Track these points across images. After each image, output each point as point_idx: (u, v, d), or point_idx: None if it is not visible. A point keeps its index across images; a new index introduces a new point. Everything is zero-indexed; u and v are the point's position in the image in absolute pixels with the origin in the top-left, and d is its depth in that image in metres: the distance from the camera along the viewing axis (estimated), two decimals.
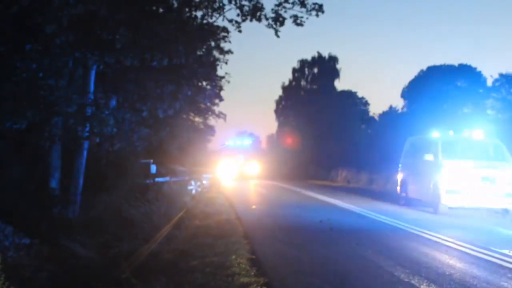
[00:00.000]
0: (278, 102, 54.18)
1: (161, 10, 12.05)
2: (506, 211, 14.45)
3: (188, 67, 14.46)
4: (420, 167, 16.19)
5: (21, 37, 10.00)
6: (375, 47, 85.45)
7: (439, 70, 40.99)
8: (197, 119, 26.43)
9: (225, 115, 26.17)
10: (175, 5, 12.30)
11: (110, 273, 6.79)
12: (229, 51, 17.77)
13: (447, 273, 7.04)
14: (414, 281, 6.50)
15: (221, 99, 22.93)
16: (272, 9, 12.36)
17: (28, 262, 7.91)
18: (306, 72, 52.28)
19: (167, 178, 16.86)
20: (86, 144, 11.86)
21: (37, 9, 9.34)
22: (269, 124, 69.03)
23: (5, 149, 11.17)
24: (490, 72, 55.03)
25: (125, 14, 10.48)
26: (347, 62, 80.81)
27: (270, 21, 12.38)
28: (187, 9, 12.75)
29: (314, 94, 50.42)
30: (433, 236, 10.31)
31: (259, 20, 12.41)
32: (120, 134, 13.16)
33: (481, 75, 40.56)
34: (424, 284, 6.40)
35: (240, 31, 12.96)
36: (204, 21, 13.22)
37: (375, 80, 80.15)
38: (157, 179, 15.72)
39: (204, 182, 21.63)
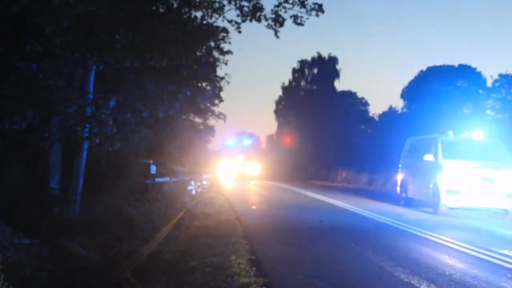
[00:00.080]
0: (278, 103, 54.23)
1: (161, 10, 12.04)
2: (506, 211, 14.46)
3: (187, 67, 14.45)
4: (420, 167, 16.20)
5: (21, 37, 10.00)
6: (375, 47, 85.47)
7: (439, 71, 41.00)
8: (197, 119, 26.39)
9: (225, 116, 26.14)
10: (175, 5, 12.29)
11: (110, 273, 6.79)
12: (229, 52, 17.78)
13: (447, 273, 7.04)
14: (414, 282, 6.50)
15: (221, 100, 22.89)
16: (272, 10, 12.37)
17: (28, 262, 7.91)
18: (306, 72, 52.32)
19: (167, 179, 16.86)
20: (86, 144, 11.85)
21: (37, 9, 9.34)
22: (269, 124, 69.21)
23: (5, 149, 11.17)
24: (490, 72, 55.04)
25: (124, 15, 10.47)
26: (347, 63, 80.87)
27: (270, 21, 12.37)
28: (186, 10, 12.75)
29: (314, 94, 50.45)
30: (433, 236, 10.32)
31: (259, 20, 12.41)
32: (120, 134, 13.15)
33: (481, 76, 40.59)
34: (424, 284, 6.40)
35: (240, 32, 12.96)
36: (204, 22, 13.21)
37: (375, 81, 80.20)
38: (157, 179, 15.72)
39: (204, 182, 21.63)
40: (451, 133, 16.17)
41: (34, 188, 11.32)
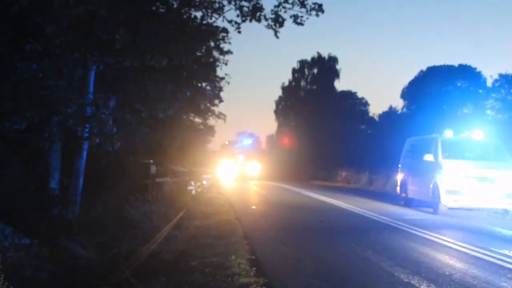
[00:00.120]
0: (278, 103, 54.23)
1: (161, 10, 12.04)
2: (506, 211, 14.46)
3: (187, 67, 14.45)
4: (420, 167, 16.20)
5: (21, 37, 10.01)
6: (375, 47, 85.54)
7: (439, 71, 41.01)
8: (196, 119, 26.39)
9: (225, 116, 26.14)
10: (175, 5, 12.30)
11: (110, 273, 6.79)
12: (229, 52, 17.78)
13: (447, 273, 7.04)
14: (414, 281, 6.50)
15: (220, 100, 22.90)
16: (272, 10, 12.37)
17: (28, 262, 7.91)
18: (306, 72, 52.31)
19: (167, 179, 16.86)
20: (86, 145, 11.86)
21: (37, 9, 9.34)
22: (269, 124, 69.19)
23: (5, 149, 11.18)
24: (490, 72, 54.98)
25: (124, 15, 10.48)
26: (346, 63, 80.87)
27: (269, 21, 12.38)
28: (186, 10, 12.75)
29: (314, 94, 50.44)
30: (433, 236, 10.31)
31: (258, 20, 12.42)
32: (120, 134, 13.16)
33: (481, 76, 40.59)
34: (424, 284, 6.40)
35: (239, 32, 12.98)
36: (204, 22, 13.21)
37: (375, 81, 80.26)
38: (157, 179, 15.72)
39: (204, 182, 21.63)
40: (451, 133, 16.17)
41: (34, 188, 11.33)
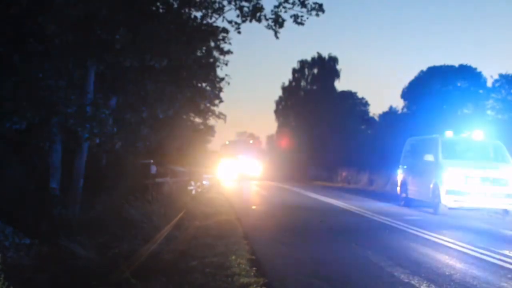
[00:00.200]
0: (278, 103, 54.25)
1: (160, 10, 12.05)
2: (506, 211, 14.46)
3: (187, 67, 14.45)
4: (420, 167, 16.20)
5: (21, 37, 10.00)
6: (375, 47, 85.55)
7: (439, 71, 40.99)
8: (197, 119, 26.38)
9: (225, 116, 26.13)
10: (175, 5, 12.30)
11: (110, 273, 6.78)
12: (229, 52, 17.78)
13: (447, 273, 7.04)
14: (414, 282, 6.50)
15: (220, 100, 22.91)
16: (272, 10, 12.37)
17: (28, 262, 7.91)
18: (306, 72, 52.32)
19: (167, 179, 16.86)
20: (86, 145, 11.86)
21: (37, 9, 9.35)
22: (269, 124, 69.24)
23: (5, 149, 11.17)
24: (490, 72, 55.00)
25: (124, 15, 10.48)
26: (347, 63, 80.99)
27: (270, 22, 12.39)
28: (186, 10, 12.75)
29: (314, 94, 50.45)
30: (433, 236, 10.31)
31: (259, 21, 12.43)
32: (120, 134, 13.16)
33: (481, 76, 40.57)
34: (424, 284, 6.40)
35: (239, 33, 12.99)
36: (204, 22, 13.21)
37: (375, 81, 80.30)
38: (157, 180, 15.72)
39: (204, 182, 21.62)
40: (451, 133, 16.17)
41: (34, 188, 11.32)
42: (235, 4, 12.46)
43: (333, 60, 51.05)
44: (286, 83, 53.30)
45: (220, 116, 25.95)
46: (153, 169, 15.80)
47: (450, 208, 14.39)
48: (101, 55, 10.90)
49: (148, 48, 10.98)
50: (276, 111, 54.39)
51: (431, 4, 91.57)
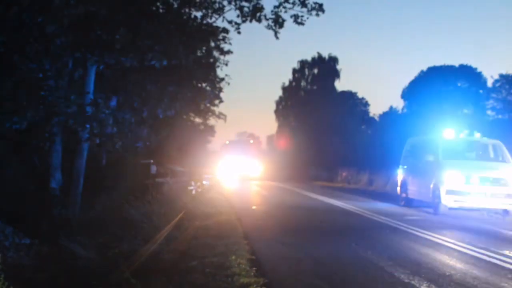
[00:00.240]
0: (278, 103, 54.26)
1: (160, 10, 12.05)
2: (506, 211, 14.45)
3: (187, 68, 14.46)
4: (420, 167, 16.19)
5: (21, 37, 10.00)
6: (376, 47, 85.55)
7: (439, 71, 40.99)
8: (197, 119, 26.41)
9: (225, 116, 26.15)
10: (175, 5, 12.31)
11: (110, 273, 6.78)
12: (229, 51, 17.79)
13: (447, 273, 7.03)
14: (414, 282, 6.49)
15: (220, 101, 22.93)
16: (272, 11, 12.38)
17: (28, 262, 7.91)
18: (306, 72, 52.33)
19: (167, 179, 16.85)
20: (86, 145, 11.86)
21: (38, 9, 9.34)
22: (269, 124, 69.27)
23: (5, 149, 11.17)
24: (490, 73, 55.01)
25: (124, 15, 10.48)
26: (347, 63, 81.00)
27: (270, 22, 12.40)
28: (187, 10, 12.76)
29: (314, 94, 50.46)
30: (433, 236, 10.31)
31: (259, 21, 12.44)
32: (120, 134, 13.16)
33: (481, 76, 40.59)
34: (424, 284, 6.39)
35: (239, 33, 13.00)
36: (204, 22, 13.22)
37: (375, 81, 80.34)
38: (157, 180, 15.72)
39: (204, 182, 21.61)
40: (451, 133, 16.15)
41: (34, 188, 11.32)
42: (235, 4, 12.47)
43: (333, 60, 51.08)
44: (286, 83, 53.37)
45: (220, 116, 26.00)
46: (153, 169, 15.81)
47: (450, 208, 14.38)
48: (101, 55, 10.90)
49: (148, 48, 10.98)
50: (276, 111, 54.43)
51: (431, 4, 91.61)
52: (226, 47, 17.29)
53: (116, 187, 13.14)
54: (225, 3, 12.75)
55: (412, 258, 8.08)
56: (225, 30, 14.56)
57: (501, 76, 38.13)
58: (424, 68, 42.84)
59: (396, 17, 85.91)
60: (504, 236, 11.16)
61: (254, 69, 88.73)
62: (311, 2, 12.16)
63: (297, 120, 51.01)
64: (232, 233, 10.17)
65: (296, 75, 52.75)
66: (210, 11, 13.00)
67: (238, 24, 12.75)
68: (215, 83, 20.20)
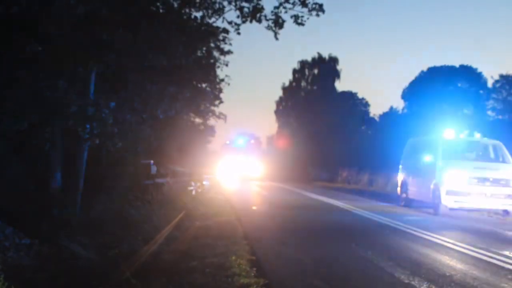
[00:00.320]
0: (278, 103, 54.23)
1: (161, 10, 12.05)
2: (506, 212, 14.45)
3: (187, 68, 14.45)
4: (420, 168, 16.19)
5: (22, 37, 10.00)
6: (376, 48, 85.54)
7: (439, 71, 40.99)
8: (197, 119, 26.40)
9: (225, 116, 26.13)
10: (175, 6, 12.30)
11: (110, 273, 6.78)
12: (229, 52, 17.79)
13: (448, 274, 7.03)
14: (415, 282, 6.49)
15: (221, 101, 22.93)
16: (272, 11, 12.37)
17: (28, 262, 7.91)
18: (307, 73, 52.29)
19: (167, 179, 16.85)
20: (86, 145, 11.86)
21: (37, 10, 9.34)
22: (269, 125, 69.17)
23: (5, 149, 11.17)
24: (490, 73, 54.96)
25: (125, 15, 10.48)
26: (347, 63, 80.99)
27: (270, 22, 12.39)
28: (187, 10, 12.75)
29: (315, 95, 50.43)
30: (433, 237, 10.30)
31: (259, 21, 12.43)
32: (120, 135, 13.16)
33: (481, 76, 40.59)
34: (425, 285, 6.39)
35: (239, 34, 12.98)
36: (204, 22, 13.21)
37: (376, 81, 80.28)
38: (157, 180, 15.71)
39: (205, 183, 21.61)
40: (451, 134, 16.14)
41: (34, 188, 11.32)
42: (235, 5, 12.46)
43: (333, 60, 51.04)
44: (287, 84, 53.33)
45: (220, 116, 25.98)
46: (153, 169, 15.80)
47: (450, 209, 14.38)
48: (101, 55, 10.90)
49: (148, 48, 10.97)
50: (276, 112, 54.40)
51: (431, 5, 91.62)
52: (226, 47, 17.31)
53: (116, 187, 13.14)
54: (225, 3, 12.74)
55: (412, 259, 8.07)
56: (225, 31, 14.55)
57: (501, 76, 38.17)
58: (425, 69, 42.90)
59: (397, 18, 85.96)
60: (504, 237, 11.16)
61: (254, 69, 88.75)
62: (311, 2, 12.15)
63: (297, 121, 50.97)
64: (232, 233, 10.16)
65: (296, 75, 52.73)
66: (210, 11, 12.99)
67: (238, 25, 12.75)
68: (215, 83, 20.21)
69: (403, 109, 44.11)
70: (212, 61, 17.61)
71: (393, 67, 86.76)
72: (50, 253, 8.42)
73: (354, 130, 46.47)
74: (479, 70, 40.98)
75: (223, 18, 13.08)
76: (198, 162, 24.43)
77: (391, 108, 45.40)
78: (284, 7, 12.22)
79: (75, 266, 7.60)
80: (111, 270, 6.89)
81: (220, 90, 21.50)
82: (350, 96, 50.64)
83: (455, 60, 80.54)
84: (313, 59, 51.77)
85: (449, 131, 16.06)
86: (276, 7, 12.28)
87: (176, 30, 11.59)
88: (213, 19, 13.18)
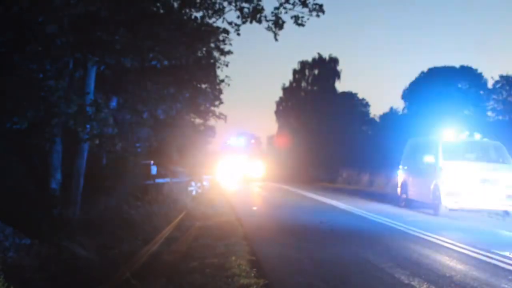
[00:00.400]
0: (279, 104, 54.18)
1: (161, 11, 12.04)
2: (506, 213, 14.43)
3: (187, 68, 14.45)
4: (420, 168, 16.18)
5: (22, 37, 10.00)
6: (376, 48, 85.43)
7: (440, 72, 40.95)
8: (197, 120, 26.42)
9: (225, 116, 26.13)
10: (175, 6, 12.30)
11: (110, 273, 6.78)
12: (229, 52, 17.77)
13: (448, 275, 7.03)
14: (415, 283, 6.49)
15: (221, 102, 22.94)
16: (272, 12, 12.36)
17: (28, 263, 7.90)
18: (307, 73, 52.25)
19: (167, 179, 16.85)
20: (86, 145, 11.86)
21: (37, 10, 9.34)
22: (269, 125, 69.15)
23: (5, 149, 11.16)
24: (491, 73, 54.95)
25: (125, 15, 10.48)
26: (347, 64, 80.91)
27: (270, 23, 12.39)
28: (187, 10, 12.75)
29: (315, 95, 50.40)
30: (433, 238, 10.30)
31: (259, 22, 12.42)
32: (120, 135, 13.17)
33: (482, 77, 40.54)
34: (425, 286, 6.39)
35: (238, 34, 12.97)
36: (204, 22, 13.21)
37: (376, 82, 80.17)
38: (157, 180, 15.71)
39: (205, 183, 21.61)
40: (452, 134, 16.13)
41: (34, 188, 11.31)
42: (235, 5, 12.45)
43: (333, 61, 51.01)
44: (287, 84, 53.27)
45: (221, 116, 25.98)
46: (154, 169, 15.80)
47: (450, 209, 14.37)
48: (101, 56, 10.90)
49: (149, 48, 10.97)
50: (276, 112, 54.35)
51: (431, 5, 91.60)
52: (226, 48, 17.29)
53: (116, 188, 13.14)
54: (225, 4, 12.73)
55: (412, 259, 8.07)
56: (225, 31, 14.54)
57: (502, 77, 38.11)
58: (425, 69, 42.80)
59: (397, 18, 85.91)
60: (505, 237, 11.16)
61: (254, 69, 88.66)
62: (311, 3, 12.15)
63: (298, 121, 50.93)
64: (232, 233, 10.17)
65: (297, 75, 52.69)
66: (210, 12, 12.99)
67: (238, 25, 12.74)
68: (215, 84, 20.20)
69: (403, 109, 44.09)
70: (212, 61, 17.60)
71: (393, 67, 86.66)
72: (50, 253, 8.42)
73: (355, 131, 46.44)
74: (479, 70, 40.97)
75: (223, 18, 13.07)
76: (198, 162, 24.41)
77: (391, 108, 45.39)
78: (285, 8, 12.21)
79: (75, 266, 7.60)
80: (111, 271, 6.89)
81: (220, 91, 21.52)
82: (350, 96, 50.60)
83: (455, 60, 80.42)
84: (313, 59, 51.75)
85: (449, 131, 16.05)
86: (276, 8, 12.27)
87: (176, 30, 11.58)
88: (213, 20, 13.17)
